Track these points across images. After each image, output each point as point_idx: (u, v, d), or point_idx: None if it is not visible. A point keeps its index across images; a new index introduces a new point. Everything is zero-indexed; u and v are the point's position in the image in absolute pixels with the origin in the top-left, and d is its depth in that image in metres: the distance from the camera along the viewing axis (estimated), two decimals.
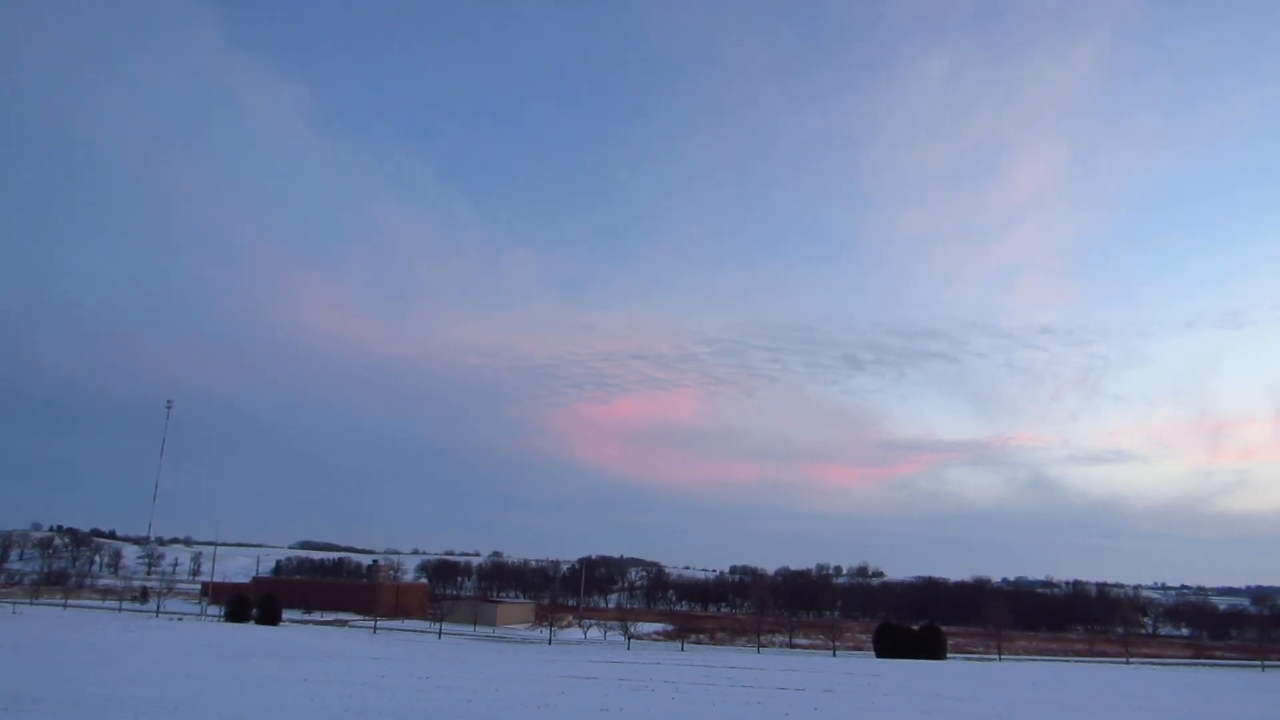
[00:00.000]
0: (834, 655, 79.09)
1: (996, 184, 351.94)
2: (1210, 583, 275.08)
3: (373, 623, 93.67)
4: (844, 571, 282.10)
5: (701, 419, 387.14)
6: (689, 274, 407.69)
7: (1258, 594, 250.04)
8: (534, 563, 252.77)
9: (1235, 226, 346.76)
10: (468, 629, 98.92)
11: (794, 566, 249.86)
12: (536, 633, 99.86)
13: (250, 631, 64.16)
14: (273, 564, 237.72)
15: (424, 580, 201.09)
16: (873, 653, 79.11)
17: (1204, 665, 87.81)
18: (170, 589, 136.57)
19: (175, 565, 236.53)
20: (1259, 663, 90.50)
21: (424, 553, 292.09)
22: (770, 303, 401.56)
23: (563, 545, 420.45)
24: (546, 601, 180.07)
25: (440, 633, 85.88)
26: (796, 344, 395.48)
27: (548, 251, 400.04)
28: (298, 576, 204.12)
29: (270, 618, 78.26)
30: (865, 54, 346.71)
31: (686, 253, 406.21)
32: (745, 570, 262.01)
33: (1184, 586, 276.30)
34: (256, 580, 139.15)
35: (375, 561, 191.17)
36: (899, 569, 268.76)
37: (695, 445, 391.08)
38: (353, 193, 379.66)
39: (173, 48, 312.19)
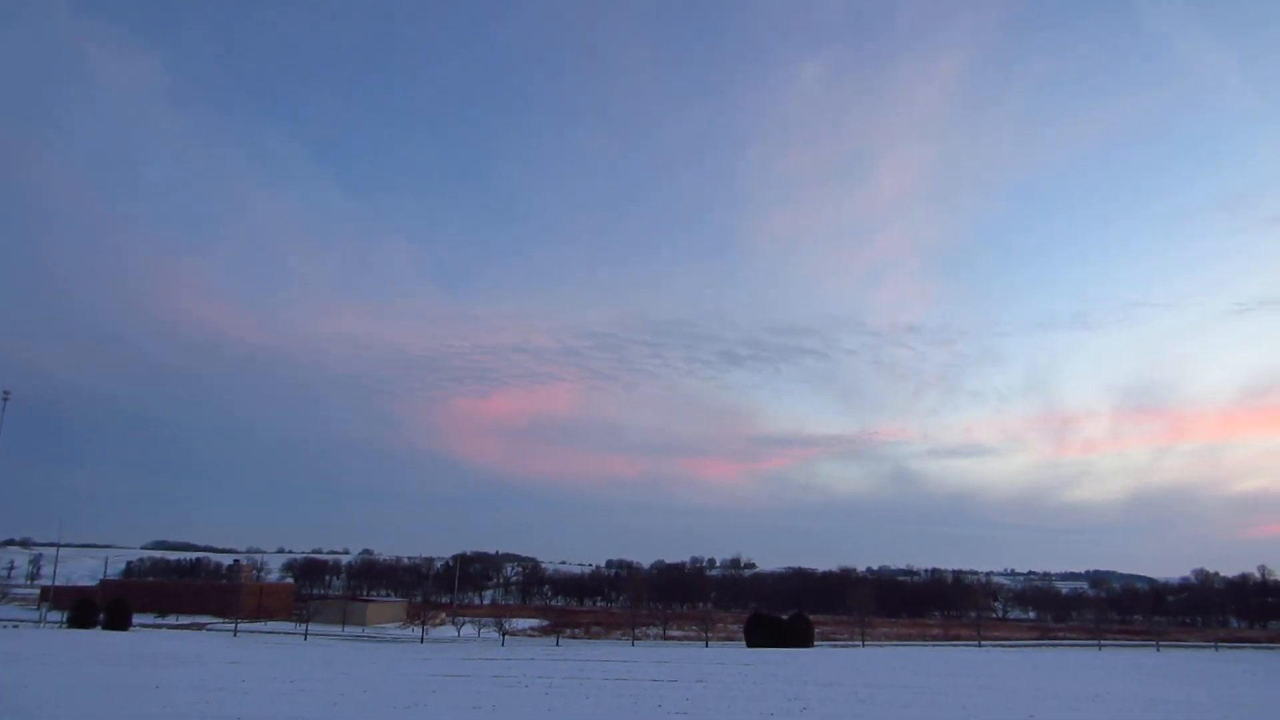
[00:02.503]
0: (707, 646, 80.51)
1: (865, 188, 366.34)
2: (1054, 568, 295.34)
3: (233, 625, 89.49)
4: (718, 564, 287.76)
5: (580, 413, 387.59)
6: (570, 267, 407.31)
7: (1096, 578, 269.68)
8: (406, 560, 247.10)
9: (1084, 235, 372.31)
10: (336, 629, 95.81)
11: (669, 559, 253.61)
12: (408, 631, 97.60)
13: (96, 638, 60.15)
14: (123, 566, 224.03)
15: (289, 580, 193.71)
16: (744, 642, 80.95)
17: (1047, 646, 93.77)
18: (4, 594, 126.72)
19: (11, 568, 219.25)
20: (1096, 642, 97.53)
21: (290, 551, 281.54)
22: (651, 298, 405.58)
23: (437, 542, 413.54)
24: (419, 600, 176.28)
25: (306, 634, 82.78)
26: (677, 339, 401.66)
27: (425, 241, 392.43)
28: (151, 579, 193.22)
29: (119, 623, 73.54)
30: (743, 55, 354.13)
31: (568, 246, 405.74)
32: (621, 564, 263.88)
33: (1031, 572, 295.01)
34: (104, 583, 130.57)
35: (236, 561, 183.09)
36: (770, 560, 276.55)
37: (574, 440, 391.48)
38: (216, 175, 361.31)
39: (11, 12, 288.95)
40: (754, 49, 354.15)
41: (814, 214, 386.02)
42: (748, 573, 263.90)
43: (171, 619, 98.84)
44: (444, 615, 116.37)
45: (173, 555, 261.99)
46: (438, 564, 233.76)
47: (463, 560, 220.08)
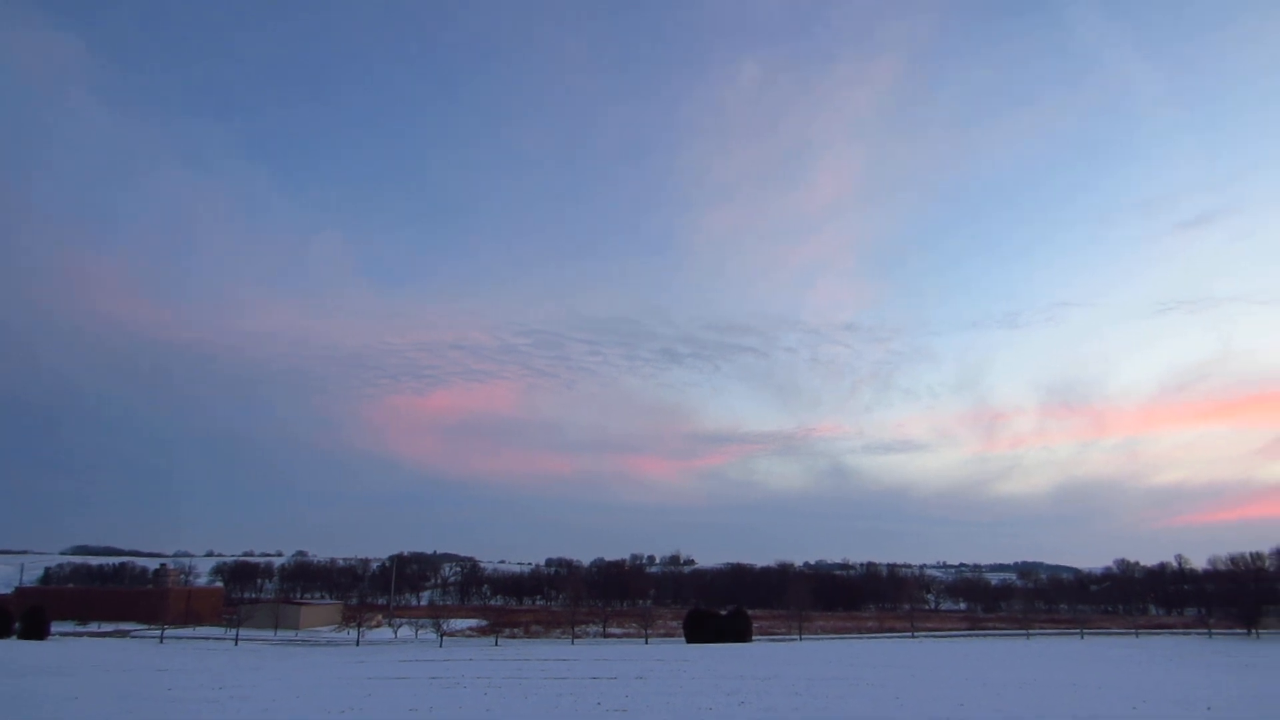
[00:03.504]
0: (646, 643, 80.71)
1: (802, 188, 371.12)
2: (984, 560, 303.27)
3: (159, 632, 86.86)
4: (657, 561, 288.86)
5: (520, 411, 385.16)
6: (509, 264, 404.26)
7: (1024, 569, 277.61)
8: (342, 562, 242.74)
9: (1013, 236, 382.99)
10: (268, 634, 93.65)
11: (609, 557, 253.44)
12: (343, 634, 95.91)
13: (10, 648, 57.92)
14: (40, 572, 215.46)
15: (219, 584, 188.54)
16: (683, 639, 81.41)
17: (978, 636, 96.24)
18: None
19: None
20: (1024, 632, 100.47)
21: (220, 554, 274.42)
22: (591, 295, 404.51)
23: (373, 543, 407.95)
24: (355, 602, 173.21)
25: (237, 639, 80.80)
26: (616, 336, 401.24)
27: (361, 236, 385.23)
28: (71, 585, 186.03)
29: (36, 631, 70.94)
30: (682, 54, 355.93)
31: (507, 243, 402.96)
32: (561, 562, 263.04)
33: (962, 565, 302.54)
34: (20, 590, 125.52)
35: (163, 566, 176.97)
36: (710, 557, 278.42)
37: (513, 438, 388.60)
38: (137, 163, 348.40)
39: None
40: (693, 48, 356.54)
41: (752, 213, 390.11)
42: (687, 569, 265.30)
43: (93, 626, 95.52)
44: (380, 617, 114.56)
45: (95, 560, 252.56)
46: (374, 565, 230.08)
47: (400, 561, 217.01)
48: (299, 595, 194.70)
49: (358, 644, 79.62)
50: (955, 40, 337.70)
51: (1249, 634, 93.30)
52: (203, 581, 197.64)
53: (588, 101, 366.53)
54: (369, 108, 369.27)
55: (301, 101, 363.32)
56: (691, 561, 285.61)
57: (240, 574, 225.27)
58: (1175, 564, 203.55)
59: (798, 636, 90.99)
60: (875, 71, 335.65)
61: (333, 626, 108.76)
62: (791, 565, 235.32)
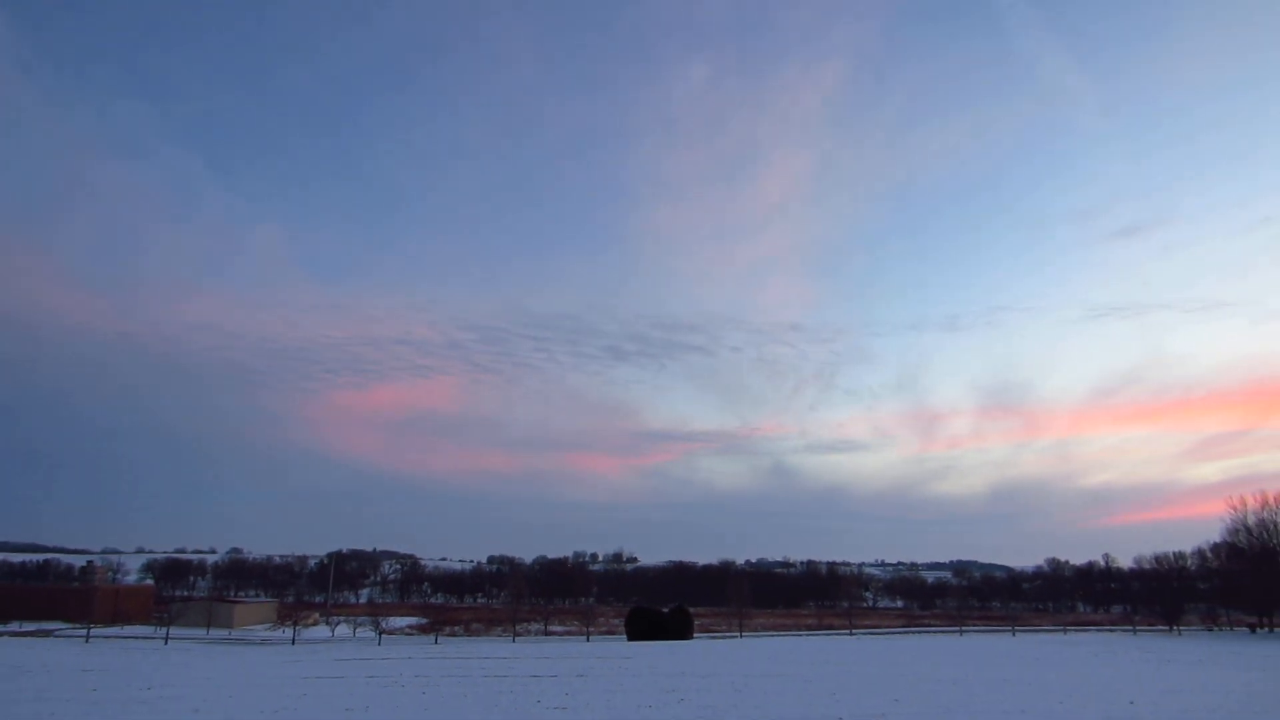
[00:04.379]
0: (588, 641, 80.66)
1: (749, 188, 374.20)
2: (921, 559, 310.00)
3: (85, 631, 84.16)
4: (600, 559, 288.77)
5: (463, 407, 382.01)
6: (453, 259, 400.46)
7: (959, 567, 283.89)
8: (278, 559, 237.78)
9: (954, 240, 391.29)
10: (200, 632, 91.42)
11: (551, 555, 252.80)
12: (279, 633, 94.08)
13: None
14: None
15: (149, 582, 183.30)
16: (625, 636, 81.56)
17: (913, 633, 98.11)
18: None
19: None
20: (958, 628, 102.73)
21: (150, 551, 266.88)
22: (537, 291, 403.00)
23: (311, 539, 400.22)
24: (291, 600, 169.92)
25: (167, 638, 78.65)
26: (562, 333, 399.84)
27: (301, 228, 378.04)
28: None
29: None
30: (631, 52, 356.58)
31: (451, 237, 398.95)
32: (503, 560, 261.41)
33: (900, 563, 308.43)
34: None
35: (90, 563, 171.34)
36: (652, 554, 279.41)
37: (456, 434, 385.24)
38: (68, 149, 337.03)
39: None
40: (642, 47, 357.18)
41: (700, 212, 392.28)
42: (630, 567, 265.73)
43: (14, 626, 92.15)
44: (317, 615, 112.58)
45: (16, 557, 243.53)
46: (312, 562, 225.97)
47: (338, 558, 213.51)
48: (233, 593, 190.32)
49: (293, 643, 78.15)
50: (900, 46, 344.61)
51: (1171, 630, 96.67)
52: (132, 579, 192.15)
53: (535, 96, 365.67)
54: (310, 98, 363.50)
55: (240, 90, 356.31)
56: (634, 559, 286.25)
57: (172, 571, 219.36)
58: (1103, 563, 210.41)
59: (738, 634, 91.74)
60: (822, 75, 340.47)
61: (268, 625, 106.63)
62: (733, 563, 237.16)
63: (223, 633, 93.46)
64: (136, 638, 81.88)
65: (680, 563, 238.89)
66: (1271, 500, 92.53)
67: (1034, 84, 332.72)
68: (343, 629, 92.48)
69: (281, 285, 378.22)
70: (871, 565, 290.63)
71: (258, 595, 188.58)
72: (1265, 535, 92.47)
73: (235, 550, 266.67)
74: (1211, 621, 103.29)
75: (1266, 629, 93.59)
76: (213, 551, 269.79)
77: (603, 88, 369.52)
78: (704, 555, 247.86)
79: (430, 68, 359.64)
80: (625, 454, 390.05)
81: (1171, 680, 31.46)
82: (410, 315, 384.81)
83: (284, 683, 30.53)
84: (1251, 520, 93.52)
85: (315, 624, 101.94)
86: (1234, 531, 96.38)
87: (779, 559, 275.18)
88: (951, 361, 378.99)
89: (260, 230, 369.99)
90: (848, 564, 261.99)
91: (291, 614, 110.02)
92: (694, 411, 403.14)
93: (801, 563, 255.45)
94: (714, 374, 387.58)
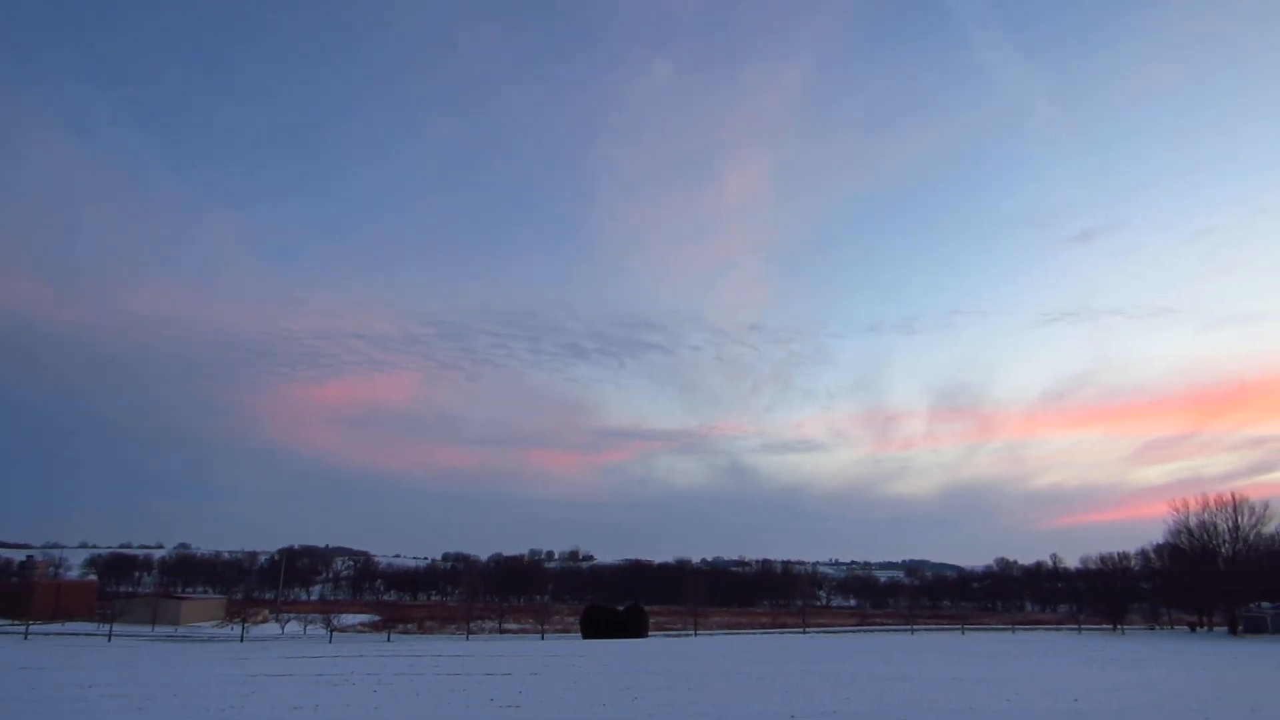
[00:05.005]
0: (543, 639, 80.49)
1: (710, 187, 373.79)
2: (874, 558, 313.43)
3: (24, 628, 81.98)
4: (556, 556, 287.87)
5: (421, 403, 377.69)
6: (413, 252, 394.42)
7: (911, 567, 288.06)
8: (228, 555, 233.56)
9: (912, 243, 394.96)
10: (145, 630, 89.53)
11: (507, 552, 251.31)
12: (227, 630, 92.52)
13: None
14: None
15: (93, 578, 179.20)
16: (580, 634, 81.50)
17: (866, 631, 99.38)
18: None
19: None
20: (909, 627, 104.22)
21: (94, 546, 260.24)
22: (496, 287, 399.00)
23: (262, 535, 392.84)
24: (240, 597, 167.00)
25: (110, 635, 76.93)
26: (522, 330, 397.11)
27: (256, 218, 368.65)
28: None
29: None
30: (595, 45, 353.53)
31: (410, 230, 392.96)
32: (458, 557, 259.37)
33: (853, 562, 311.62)
34: None
35: (30, 558, 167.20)
36: (609, 553, 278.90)
37: (413, 430, 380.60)
38: (16, 132, 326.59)
39: None
40: (606, 42, 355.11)
41: (661, 210, 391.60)
42: (586, 565, 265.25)
43: None
44: (267, 612, 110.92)
45: None
46: (262, 558, 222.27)
47: (289, 554, 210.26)
48: (180, 590, 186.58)
49: (242, 640, 76.93)
50: (861, 50, 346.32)
51: (1115, 629, 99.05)
52: (74, 575, 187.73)
53: (495, 85, 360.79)
54: (267, 83, 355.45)
55: (193, 72, 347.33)
56: (590, 557, 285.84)
57: (116, 567, 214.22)
58: (1050, 563, 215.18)
59: (694, 632, 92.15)
60: (784, 76, 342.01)
61: (216, 622, 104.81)
62: (689, 562, 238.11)
63: (169, 630, 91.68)
64: (78, 635, 79.96)
65: (637, 561, 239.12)
66: (1212, 503, 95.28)
67: (993, 91, 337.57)
68: (293, 626, 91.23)
69: (235, 276, 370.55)
70: (826, 564, 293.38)
71: (206, 592, 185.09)
72: (1205, 537, 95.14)
73: (183, 546, 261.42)
74: (1153, 621, 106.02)
75: (1205, 628, 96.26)
76: (159, 547, 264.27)
77: (566, 83, 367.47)
78: (660, 554, 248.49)
79: (389, 55, 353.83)
80: (583, 452, 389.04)
81: (1114, 678, 32.20)
82: (368, 309, 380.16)
83: (231, 681, 30.01)
84: (1193, 522, 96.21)
85: (265, 621, 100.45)
86: (1176, 533, 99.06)
87: (735, 558, 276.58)
88: (908, 363, 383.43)
89: (213, 219, 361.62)
90: (802, 563, 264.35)
91: (240, 611, 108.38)
92: (653, 410, 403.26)
93: (757, 562, 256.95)
94: (673, 373, 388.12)
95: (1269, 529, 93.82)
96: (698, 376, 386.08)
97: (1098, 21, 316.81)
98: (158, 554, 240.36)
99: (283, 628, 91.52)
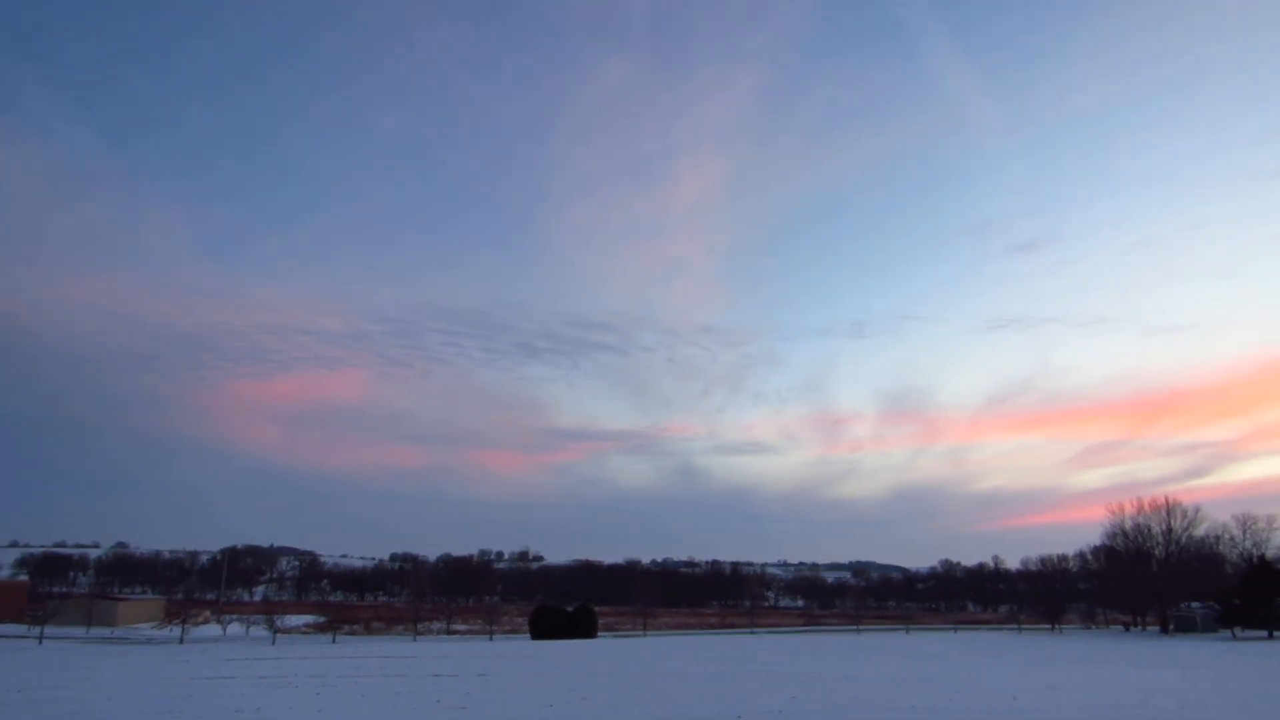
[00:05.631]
0: (491, 640, 79.97)
1: (663, 188, 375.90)
2: (822, 559, 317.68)
3: None
4: (505, 557, 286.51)
5: (370, 401, 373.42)
6: (364, 249, 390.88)
7: (858, 568, 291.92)
8: (167, 554, 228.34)
9: (862, 249, 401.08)
10: (79, 631, 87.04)
11: (456, 553, 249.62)
12: (166, 631, 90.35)
13: None
14: None
15: (23, 578, 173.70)
16: (529, 635, 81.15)
17: (813, 632, 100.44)
18: None
19: None
20: (855, 627, 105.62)
21: (26, 545, 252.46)
22: (448, 284, 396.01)
23: (204, 535, 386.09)
24: (180, 597, 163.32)
25: (42, 637, 74.64)
26: (474, 328, 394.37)
27: (203, 211, 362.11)
28: None
29: None
30: (550, 43, 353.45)
31: (360, 225, 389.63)
32: (405, 557, 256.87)
33: (801, 563, 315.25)
34: None
35: None
36: (559, 553, 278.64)
37: (361, 428, 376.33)
38: None
39: None
40: (561, 40, 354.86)
41: (614, 209, 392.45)
42: (535, 565, 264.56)
43: None
44: (208, 613, 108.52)
45: None
46: (204, 558, 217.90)
47: (232, 554, 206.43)
48: (117, 590, 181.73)
49: (182, 642, 75.25)
50: (813, 58, 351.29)
51: (1053, 629, 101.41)
52: (4, 574, 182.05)
53: (448, 80, 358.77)
54: (213, 72, 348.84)
55: (138, 60, 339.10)
56: (540, 558, 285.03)
57: (49, 567, 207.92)
58: (992, 565, 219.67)
59: (643, 632, 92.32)
60: (738, 81, 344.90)
61: (154, 623, 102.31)
62: (639, 562, 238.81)
63: (105, 631, 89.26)
64: (7, 637, 77.40)
65: (586, 562, 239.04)
66: (1147, 506, 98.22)
67: (940, 101, 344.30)
68: (235, 628, 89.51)
69: (180, 269, 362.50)
70: (774, 565, 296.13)
71: (144, 592, 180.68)
72: (1140, 539, 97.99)
73: (121, 545, 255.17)
74: (1090, 620, 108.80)
75: (1139, 628, 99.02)
76: (95, 546, 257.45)
77: (520, 81, 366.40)
78: (610, 554, 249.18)
79: (340, 47, 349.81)
80: (534, 452, 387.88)
81: (1052, 677, 32.97)
82: (317, 305, 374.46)
83: (170, 683, 29.32)
84: (1128, 525, 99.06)
85: (206, 622, 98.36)
86: (1112, 535, 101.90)
87: (684, 559, 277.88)
88: (856, 367, 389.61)
89: (158, 209, 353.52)
90: (751, 564, 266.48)
91: (180, 612, 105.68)
92: (604, 410, 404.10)
93: (706, 563, 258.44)
94: (625, 373, 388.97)
95: (1200, 532, 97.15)
96: (650, 377, 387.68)
97: (1043, 38, 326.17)
98: (94, 553, 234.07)
99: (224, 629, 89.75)
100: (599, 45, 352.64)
